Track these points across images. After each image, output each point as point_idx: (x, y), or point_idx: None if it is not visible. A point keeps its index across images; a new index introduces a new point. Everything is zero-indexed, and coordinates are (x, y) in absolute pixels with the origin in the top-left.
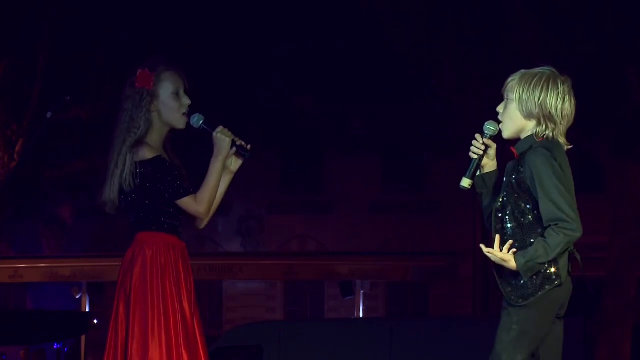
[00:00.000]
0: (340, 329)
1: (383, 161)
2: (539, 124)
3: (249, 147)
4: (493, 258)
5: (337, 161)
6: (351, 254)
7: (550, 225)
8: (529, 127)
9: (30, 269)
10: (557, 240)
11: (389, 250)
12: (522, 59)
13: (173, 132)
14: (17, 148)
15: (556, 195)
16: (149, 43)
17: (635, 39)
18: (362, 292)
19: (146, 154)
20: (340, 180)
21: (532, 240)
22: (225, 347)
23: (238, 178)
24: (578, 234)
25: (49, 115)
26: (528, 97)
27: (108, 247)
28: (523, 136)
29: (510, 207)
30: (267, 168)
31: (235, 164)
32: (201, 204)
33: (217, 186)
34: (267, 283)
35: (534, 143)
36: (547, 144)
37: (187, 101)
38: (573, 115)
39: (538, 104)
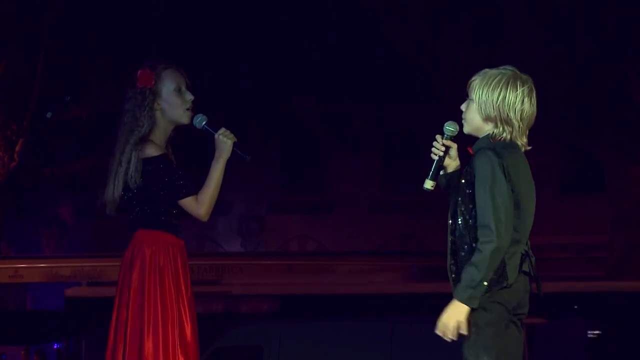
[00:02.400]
0: (340, 329)
1: (383, 161)
2: (496, 126)
3: (249, 157)
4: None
5: (337, 161)
6: (351, 254)
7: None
8: (487, 128)
9: (30, 269)
10: (479, 257)
11: (389, 250)
12: (523, 59)
13: (176, 130)
14: (17, 148)
15: (483, 200)
16: (149, 43)
17: (635, 39)
18: None
19: (152, 151)
20: (340, 180)
21: (468, 241)
22: (225, 347)
23: (238, 178)
24: (498, 244)
25: (49, 115)
26: (487, 99)
27: (108, 247)
28: (481, 136)
29: (462, 207)
30: (267, 168)
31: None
32: (201, 205)
33: (218, 188)
34: None
35: (488, 144)
36: (499, 146)
37: (189, 96)
38: (534, 116)
39: (496, 107)
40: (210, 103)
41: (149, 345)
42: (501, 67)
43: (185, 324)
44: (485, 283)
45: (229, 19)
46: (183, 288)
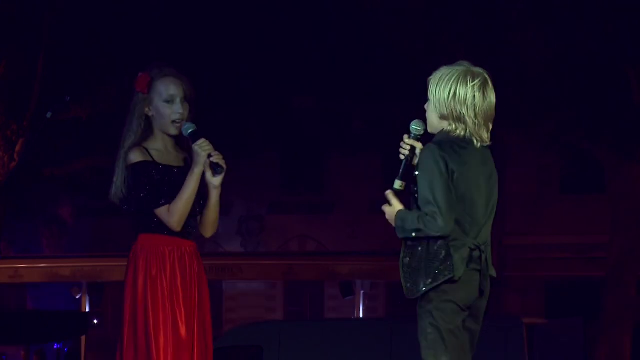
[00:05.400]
0: (340, 329)
1: (383, 161)
2: (449, 124)
3: (223, 167)
4: (386, 214)
5: (337, 161)
6: (351, 254)
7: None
8: (443, 126)
9: (30, 269)
10: (425, 218)
11: (389, 250)
12: (523, 59)
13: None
14: (17, 148)
15: (424, 190)
16: (149, 43)
17: (635, 39)
18: (362, 292)
19: (134, 157)
20: (340, 180)
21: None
22: (225, 347)
23: (238, 178)
24: (441, 221)
25: (49, 115)
26: (439, 97)
27: (108, 247)
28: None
29: (417, 199)
30: (267, 168)
31: (218, 179)
32: (172, 215)
33: (191, 198)
34: (267, 283)
35: (436, 139)
36: (446, 141)
37: (178, 109)
38: (492, 108)
39: (448, 104)
40: (210, 103)
41: (128, 354)
42: (456, 64)
43: (180, 324)
44: (414, 234)
45: (228, 19)
46: (181, 294)
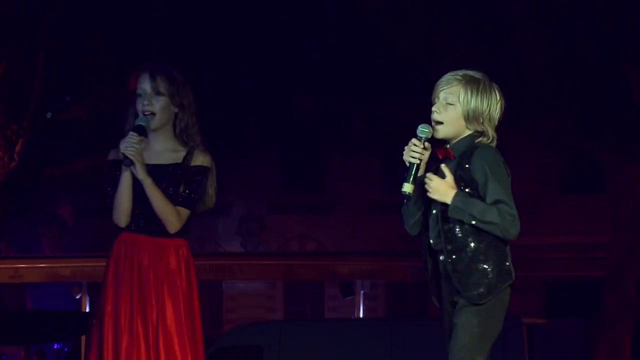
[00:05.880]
0: (340, 329)
1: (383, 161)
2: (482, 128)
3: (131, 159)
4: (433, 184)
5: (337, 161)
6: (351, 254)
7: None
8: (467, 132)
9: (30, 269)
10: (494, 214)
11: (389, 250)
12: (523, 59)
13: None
14: (17, 148)
15: (499, 188)
16: (149, 43)
17: (635, 39)
18: (362, 292)
19: (109, 155)
20: (340, 180)
21: (472, 239)
22: (225, 347)
23: (238, 178)
24: (517, 230)
25: (49, 115)
26: (476, 103)
27: (108, 247)
28: (458, 138)
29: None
30: (267, 168)
31: (140, 172)
32: (113, 211)
33: (122, 193)
34: (267, 283)
35: (478, 143)
36: (490, 144)
37: (146, 103)
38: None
39: (484, 110)
40: (211, 103)
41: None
42: (469, 71)
43: (122, 317)
44: (474, 222)
45: (228, 19)
46: (124, 285)
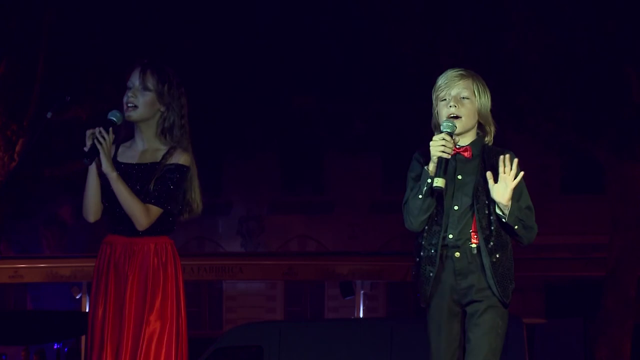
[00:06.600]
0: (340, 329)
1: (383, 161)
2: (487, 122)
3: (87, 162)
4: (500, 191)
5: (337, 161)
6: (351, 254)
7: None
8: (474, 129)
9: (30, 269)
10: (533, 220)
11: (389, 250)
12: (522, 60)
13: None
14: (17, 148)
15: (527, 196)
16: (149, 43)
17: (635, 39)
18: (362, 292)
19: None
20: (340, 180)
21: (500, 233)
22: (225, 347)
23: (238, 178)
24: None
25: (49, 115)
26: (486, 99)
27: None
28: (469, 134)
29: (489, 204)
30: (267, 168)
31: (105, 167)
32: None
33: (90, 190)
34: (267, 283)
35: (498, 147)
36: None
37: (129, 96)
38: None
39: (489, 105)
40: (210, 103)
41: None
42: (465, 69)
43: (100, 312)
44: (517, 227)
45: (228, 19)
46: (102, 284)
